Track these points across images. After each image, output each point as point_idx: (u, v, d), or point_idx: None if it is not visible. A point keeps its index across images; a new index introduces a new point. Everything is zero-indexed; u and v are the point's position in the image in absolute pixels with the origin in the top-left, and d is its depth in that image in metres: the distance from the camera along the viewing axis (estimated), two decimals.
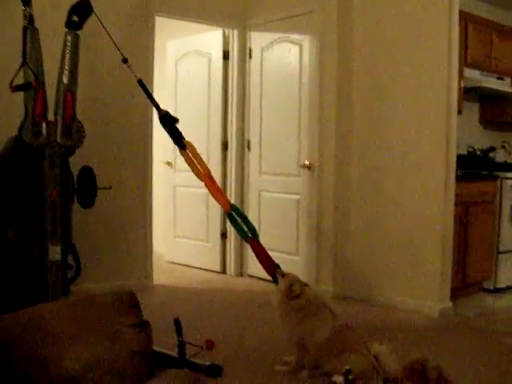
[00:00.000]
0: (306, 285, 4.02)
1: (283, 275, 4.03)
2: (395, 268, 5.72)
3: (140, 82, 4.53)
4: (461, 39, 6.06)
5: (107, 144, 5.77)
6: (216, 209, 6.68)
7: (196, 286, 6.54)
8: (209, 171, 4.49)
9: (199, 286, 6.54)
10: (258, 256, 4.34)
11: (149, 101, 4.76)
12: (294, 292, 3.89)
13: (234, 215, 4.41)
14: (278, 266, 4.16)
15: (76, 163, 4.64)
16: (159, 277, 6.49)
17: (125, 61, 4.56)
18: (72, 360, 2.18)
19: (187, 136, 6.13)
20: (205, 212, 7.14)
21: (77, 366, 2.17)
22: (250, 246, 4.41)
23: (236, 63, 6.93)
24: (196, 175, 4.48)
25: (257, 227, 6.64)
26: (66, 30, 4.45)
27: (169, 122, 4.54)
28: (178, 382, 2.10)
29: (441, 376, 2.39)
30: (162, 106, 4.80)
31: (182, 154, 4.51)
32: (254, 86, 6.83)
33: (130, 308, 2.30)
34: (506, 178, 6.48)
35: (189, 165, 4.48)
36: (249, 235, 4.37)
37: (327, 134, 6.02)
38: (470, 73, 6.72)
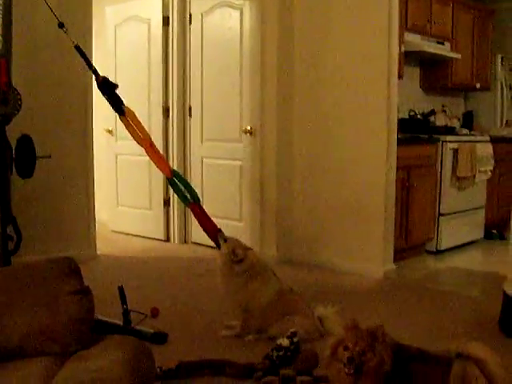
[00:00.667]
0: (249, 249, 4.02)
1: (226, 240, 4.02)
2: (339, 232, 5.76)
3: (77, 47, 4.41)
4: (401, 4, 6.08)
5: (46, 112, 5.63)
6: (158, 176, 6.60)
7: (140, 254, 6.49)
8: (149, 137, 4.41)
9: (143, 254, 6.49)
10: (200, 221, 4.31)
11: (87, 67, 4.65)
12: (237, 256, 3.89)
13: (176, 181, 4.36)
14: (220, 230, 4.14)
15: (14, 132, 4.52)
16: (103, 246, 6.41)
17: (60, 25, 4.42)
18: (10, 330, 2.14)
19: (128, 103, 6.05)
20: (147, 180, 7.07)
21: (16, 335, 2.13)
22: (192, 211, 4.37)
23: (176, 29, 6.82)
24: (136, 141, 4.40)
25: (200, 194, 6.61)
26: None
27: (107, 88, 4.44)
28: (120, 348, 2.07)
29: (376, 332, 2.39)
30: (101, 73, 4.69)
31: (121, 120, 4.42)
32: (195, 52, 6.75)
33: (69, 275, 2.26)
34: (447, 142, 6.55)
35: (129, 131, 4.40)
36: (190, 200, 4.32)
37: (269, 98, 5.99)
38: (410, 37, 6.75)
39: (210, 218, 4.29)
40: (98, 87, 4.48)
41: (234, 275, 3.88)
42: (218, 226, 4.22)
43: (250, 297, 3.86)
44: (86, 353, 2.10)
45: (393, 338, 2.47)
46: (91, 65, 4.42)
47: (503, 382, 2.16)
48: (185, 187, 4.35)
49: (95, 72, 4.45)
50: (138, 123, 4.39)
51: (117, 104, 4.39)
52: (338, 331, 3.29)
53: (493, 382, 2.16)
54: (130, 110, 4.43)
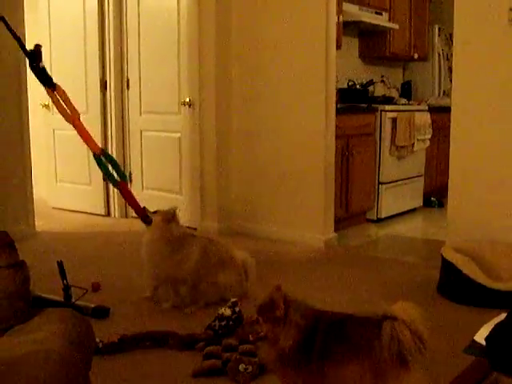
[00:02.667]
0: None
1: (154, 212, 4.02)
2: (279, 201, 5.78)
3: (2, 18, 4.27)
4: None
5: None
6: None
7: (81, 230, 6.40)
8: (78, 114, 4.31)
9: (84, 230, 6.41)
10: (128, 200, 4.26)
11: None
12: (171, 214, 3.92)
13: (103, 160, 4.27)
14: (144, 208, 4.10)
15: None
16: (42, 223, 6.30)
17: None
18: None
19: (64, 76, 5.93)
20: (86, 155, 6.90)
21: None
22: (120, 190, 4.31)
23: (112, 0, 6.68)
24: (64, 117, 4.29)
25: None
26: None
27: (34, 61, 4.30)
28: (58, 320, 2.03)
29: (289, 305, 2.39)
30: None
31: (49, 95, 4.29)
32: (132, 24, 6.63)
33: (2, 248, 2.20)
34: (385, 111, 6.61)
35: (57, 107, 4.29)
36: (117, 179, 4.25)
37: (207, 70, 5.94)
38: (348, 7, 6.77)
39: (134, 197, 4.25)
40: (28, 58, 4.34)
41: (164, 242, 3.88)
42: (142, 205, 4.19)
43: (177, 266, 3.88)
44: (22, 327, 2.05)
45: (311, 306, 2.47)
46: (18, 38, 4.27)
47: (429, 338, 2.22)
48: (112, 166, 4.28)
49: (22, 46, 4.30)
50: (67, 99, 4.27)
51: (45, 77, 4.26)
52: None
53: (421, 339, 2.20)
54: (59, 85, 4.31)
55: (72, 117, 4.24)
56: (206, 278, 3.91)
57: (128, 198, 4.24)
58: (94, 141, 4.28)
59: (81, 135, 4.25)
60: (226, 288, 3.89)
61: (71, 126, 4.26)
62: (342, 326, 2.37)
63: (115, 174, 4.24)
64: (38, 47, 4.22)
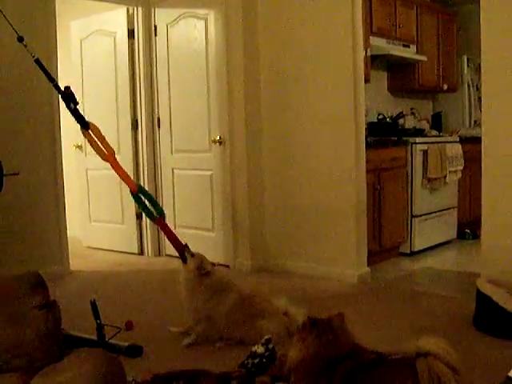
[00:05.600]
0: (214, 265, 4.07)
1: (192, 255, 4.03)
2: (312, 237, 5.76)
3: (37, 61, 4.36)
4: (365, 8, 6.14)
5: (12, 129, 5.58)
6: (128, 189, 6.55)
7: (114, 269, 6.44)
8: (113, 152, 4.36)
9: (118, 268, 6.45)
10: (167, 236, 4.29)
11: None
12: (204, 269, 3.93)
13: (141, 196, 4.31)
14: (186, 245, 4.12)
15: None
16: (77, 262, 6.36)
17: (20, 39, 4.37)
18: None
19: (96, 116, 6.01)
20: (118, 194, 7.01)
21: None
22: (159, 226, 4.34)
23: (142, 41, 6.80)
24: (100, 157, 4.35)
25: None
26: None
27: (72, 101, 4.38)
28: (89, 360, 2.05)
29: (313, 330, 2.41)
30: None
31: (84, 135, 4.35)
32: (162, 64, 6.73)
33: (35, 289, 2.23)
34: (416, 143, 6.58)
35: (92, 146, 4.35)
36: (156, 216, 4.29)
37: (237, 107, 5.99)
38: (376, 41, 6.80)
39: (174, 233, 4.28)
40: (64, 100, 4.42)
41: (200, 290, 3.92)
42: (184, 242, 4.20)
43: (212, 308, 3.89)
44: (54, 367, 2.07)
45: (352, 341, 2.48)
46: (52, 78, 4.36)
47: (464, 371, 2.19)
48: (150, 202, 4.32)
49: (56, 86, 4.39)
50: (102, 138, 4.33)
51: (80, 117, 4.33)
52: None
53: (457, 372, 2.18)
54: (94, 124, 4.38)
55: (108, 155, 4.30)
56: (239, 323, 3.89)
57: (167, 234, 4.27)
58: (130, 178, 4.32)
59: (117, 173, 4.30)
60: (267, 333, 3.81)
61: (104, 165, 4.31)
62: (369, 369, 2.35)
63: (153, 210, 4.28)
64: (67, 89, 4.29)
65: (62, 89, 4.26)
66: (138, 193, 4.26)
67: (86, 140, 4.35)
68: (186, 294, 3.99)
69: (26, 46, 4.30)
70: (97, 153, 4.31)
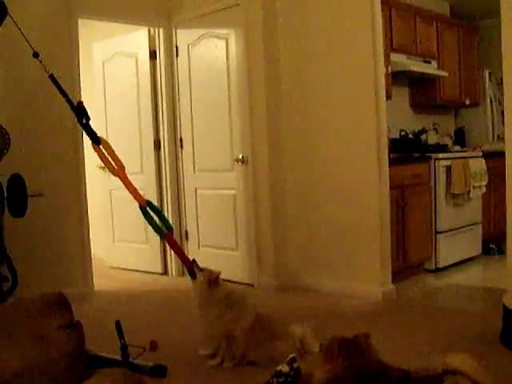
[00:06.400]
0: (222, 278, 4.05)
1: (201, 269, 4.03)
2: (336, 255, 5.74)
3: (51, 76, 4.40)
4: (385, 25, 6.16)
5: (36, 150, 5.64)
6: None
7: (138, 288, 6.46)
8: (123, 167, 4.38)
9: (141, 288, 6.47)
10: (175, 251, 4.32)
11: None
12: (214, 283, 3.92)
13: (149, 210, 4.32)
14: (194, 260, 4.13)
15: (4, 171, 4.51)
16: (100, 282, 6.38)
17: (35, 55, 4.42)
18: (2, 366, 2.12)
19: (119, 137, 6.06)
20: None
21: (7, 373, 2.11)
22: (167, 241, 4.35)
23: (163, 62, 6.86)
24: (110, 171, 4.37)
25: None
26: None
27: (84, 116, 4.41)
28: (112, 380, 2.05)
29: (342, 351, 2.41)
30: (90, 111, 4.68)
31: (95, 149, 4.38)
32: (183, 84, 6.78)
33: (58, 309, 2.24)
34: (439, 159, 6.55)
35: (102, 161, 4.37)
36: (164, 231, 4.29)
37: (258, 126, 6.01)
38: (396, 57, 6.79)
39: (181, 249, 4.30)
40: (76, 115, 4.45)
41: (212, 303, 3.90)
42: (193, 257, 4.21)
43: (229, 323, 3.87)
44: None
45: (378, 359, 2.47)
46: (65, 93, 4.40)
47: None
48: (158, 217, 4.32)
49: (69, 100, 4.42)
50: (112, 152, 4.36)
51: (92, 132, 4.37)
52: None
53: None
54: (105, 139, 4.41)
55: (117, 169, 4.32)
56: (258, 346, 3.87)
57: (175, 249, 4.29)
58: (139, 193, 4.33)
59: (126, 187, 4.32)
60: (281, 356, 3.80)
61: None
62: None
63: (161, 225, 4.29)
64: (80, 104, 4.34)
65: (75, 104, 4.31)
66: (146, 206, 4.26)
67: (97, 155, 4.38)
68: (198, 310, 3.98)
69: (41, 61, 4.37)
70: (107, 167, 4.34)
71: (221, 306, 3.88)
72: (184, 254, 4.29)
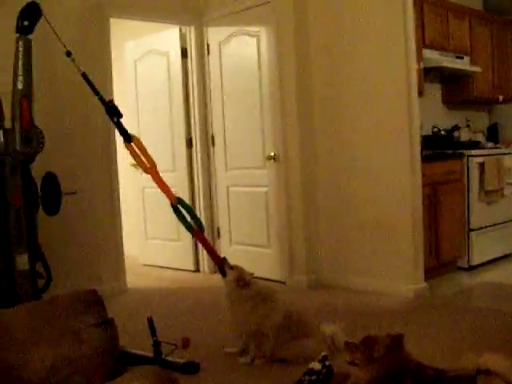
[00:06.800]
0: (253, 275, 4.06)
1: (231, 267, 4.06)
2: (368, 252, 5.72)
3: (84, 75, 4.46)
4: (417, 21, 6.11)
5: (70, 148, 5.70)
6: None
7: (171, 286, 6.50)
8: (155, 164, 4.42)
9: (174, 285, 6.50)
10: (206, 249, 4.34)
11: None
12: (244, 280, 3.94)
13: (180, 208, 4.34)
14: (224, 258, 4.15)
15: (39, 170, 4.56)
16: (133, 280, 6.44)
17: (68, 54, 4.48)
18: (36, 363, 2.15)
19: (151, 135, 6.09)
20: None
21: (42, 370, 2.14)
22: (197, 238, 4.37)
23: (195, 60, 6.89)
24: (142, 169, 4.41)
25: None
26: (17, 35, 4.36)
27: (116, 115, 4.45)
28: (145, 378, 2.06)
29: (393, 353, 2.40)
30: (123, 107, 4.72)
31: (126, 147, 4.42)
32: (215, 82, 6.80)
33: (92, 306, 2.27)
34: (472, 156, 6.50)
35: (134, 158, 4.41)
36: (194, 227, 4.31)
37: (290, 123, 6.01)
38: (429, 54, 6.74)
39: (212, 246, 4.33)
40: (107, 113, 4.49)
41: (242, 301, 3.91)
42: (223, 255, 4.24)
43: (260, 320, 3.87)
44: None
45: (412, 358, 2.47)
46: (97, 92, 4.45)
47: None
48: (189, 215, 4.34)
49: (101, 99, 4.48)
50: (145, 150, 4.40)
51: (124, 130, 4.41)
52: None
53: None
54: (136, 137, 4.46)
55: (149, 167, 4.36)
56: (285, 340, 3.88)
57: (206, 246, 4.31)
58: (170, 190, 4.36)
59: (158, 184, 4.35)
60: (311, 354, 3.80)
61: None
62: None
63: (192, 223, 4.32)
64: (110, 102, 4.39)
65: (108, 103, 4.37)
66: (177, 204, 4.29)
67: (129, 152, 4.41)
68: (228, 307, 4.01)
69: (73, 60, 4.43)
70: (138, 165, 4.39)
71: (251, 304, 3.89)
72: (214, 251, 4.31)
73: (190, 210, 4.40)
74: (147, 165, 4.38)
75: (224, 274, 4.07)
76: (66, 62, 4.55)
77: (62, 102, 5.66)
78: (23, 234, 4.32)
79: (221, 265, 4.12)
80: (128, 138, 4.41)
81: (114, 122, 4.43)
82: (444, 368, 2.44)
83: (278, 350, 3.87)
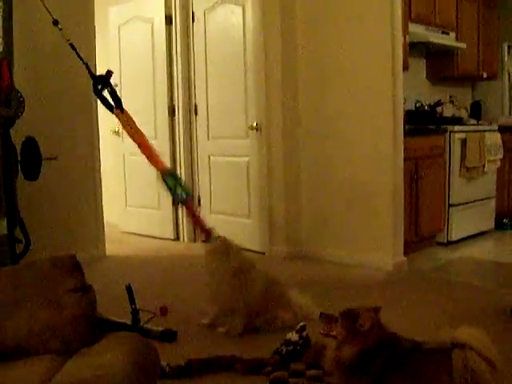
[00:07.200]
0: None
1: (218, 237, 4.07)
2: (348, 225, 5.74)
3: (71, 45, 4.40)
4: None
5: (50, 114, 5.62)
6: None
7: (150, 254, 6.49)
8: (144, 135, 4.37)
9: (153, 254, 6.49)
10: (193, 217, 4.32)
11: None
12: (232, 250, 3.94)
13: (169, 177, 4.31)
14: (211, 228, 4.18)
15: (18, 134, 4.51)
16: (112, 247, 6.41)
17: (55, 23, 4.40)
18: (13, 329, 2.13)
19: (133, 102, 6.03)
20: (155, 179, 7.01)
21: (18, 335, 2.12)
22: (186, 207, 4.34)
23: (179, 27, 6.82)
24: (132, 138, 4.35)
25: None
26: None
27: (106, 84, 4.38)
28: (123, 344, 2.06)
29: (376, 327, 2.41)
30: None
31: (118, 116, 4.35)
32: (199, 50, 6.74)
33: (70, 272, 2.25)
34: (455, 132, 6.51)
35: (124, 128, 4.36)
36: (184, 196, 4.29)
37: (274, 94, 5.98)
38: (415, 28, 6.71)
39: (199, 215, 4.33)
40: (94, 85, 4.42)
41: (224, 271, 3.91)
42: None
43: (243, 290, 3.89)
44: (89, 350, 2.09)
45: (386, 330, 2.48)
46: (86, 63, 4.38)
47: (501, 364, 2.16)
48: (177, 183, 4.31)
49: (88, 68, 4.41)
50: (133, 122, 4.36)
51: (117, 99, 4.35)
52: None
53: (493, 365, 2.15)
54: (125, 109, 4.40)
55: (143, 139, 4.31)
56: (265, 313, 3.92)
57: (193, 215, 4.29)
58: (160, 159, 4.32)
59: (148, 154, 4.30)
60: (283, 326, 3.85)
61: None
62: (406, 359, 2.33)
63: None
64: (109, 73, 4.33)
65: (104, 73, 4.30)
66: (169, 174, 4.26)
67: (120, 122, 4.36)
68: (211, 276, 4.00)
69: (61, 29, 4.35)
70: (130, 136, 4.32)
71: (232, 274, 3.89)
72: (202, 221, 4.29)
73: (179, 180, 4.36)
74: (141, 136, 4.32)
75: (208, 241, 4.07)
76: (50, 27, 4.48)
77: (44, 66, 5.58)
78: (1, 199, 4.28)
79: (208, 234, 4.11)
80: (121, 108, 4.35)
81: (96, 91, 4.36)
82: (420, 340, 2.46)
83: (253, 320, 3.90)
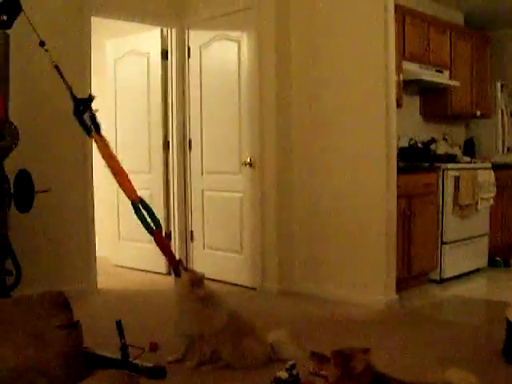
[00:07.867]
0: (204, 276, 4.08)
1: (186, 269, 4.09)
2: (341, 262, 5.72)
3: (57, 67, 4.39)
4: (398, 33, 6.15)
5: (44, 146, 5.64)
6: (159, 209, 6.55)
7: (142, 288, 6.46)
8: (119, 162, 4.35)
9: (145, 288, 6.46)
10: (162, 249, 4.30)
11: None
12: (197, 284, 3.92)
13: (141, 207, 4.30)
14: (180, 260, 4.20)
15: (12, 166, 4.51)
16: (104, 280, 6.38)
17: (42, 44, 4.42)
18: (0, 364, 2.11)
19: (128, 136, 6.05)
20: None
21: (4, 371, 2.10)
22: (155, 238, 4.32)
23: (175, 62, 6.86)
24: (107, 163, 4.32)
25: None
26: None
27: (87, 107, 4.37)
28: (108, 381, 2.04)
29: (368, 369, 2.39)
30: (100, 106, 4.67)
31: (96, 141, 4.33)
32: (194, 85, 6.78)
33: (58, 308, 2.24)
34: (448, 169, 6.53)
35: (101, 151, 4.32)
36: (153, 228, 4.27)
37: (268, 130, 6.00)
38: (408, 66, 6.77)
39: (170, 247, 4.32)
40: (76, 105, 4.40)
41: (194, 301, 3.90)
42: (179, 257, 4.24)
43: (205, 322, 3.88)
44: None
45: (377, 371, 2.46)
46: (69, 85, 4.38)
47: None
48: (148, 214, 4.31)
49: (71, 92, 4.39)
50: (110, 148, 4.36)
51: (96, 124, 4.34)
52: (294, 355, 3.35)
53: None
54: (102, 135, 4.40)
55: (116, 163, 4.30)
56: (231, 342, 3.90)
57: (162, 247, 4.28)
58: (133, 188, 4.31)
59: (121, 181, 4.28)
60: (251, 356, 3.84)
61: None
62: None
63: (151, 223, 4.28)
64: (91, 96, 4.34)
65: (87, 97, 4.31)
66: (138, 202, 4.26)
67: (97, 146, 4.34)
68: (178, 306, 4.01)
69: (47, 50, 4.37)
70: (105, 159, 4.31)
71: (201, 305, 3.90)
72: (171, 252, 4.29)
73: (150, 210, 4.35)
74: (117, 163, 4.31)
75: (178, 275, 4.06)
76: (42, 57, 4.50)
77: (38, 100, 5.60)
78: None
79: (176, 266, 4.11)
80: (99, 132, 4.34)
81: (77, 113, 4.34)
82: (410, 381, 2.44)
83: (219, 352, 3.90)
